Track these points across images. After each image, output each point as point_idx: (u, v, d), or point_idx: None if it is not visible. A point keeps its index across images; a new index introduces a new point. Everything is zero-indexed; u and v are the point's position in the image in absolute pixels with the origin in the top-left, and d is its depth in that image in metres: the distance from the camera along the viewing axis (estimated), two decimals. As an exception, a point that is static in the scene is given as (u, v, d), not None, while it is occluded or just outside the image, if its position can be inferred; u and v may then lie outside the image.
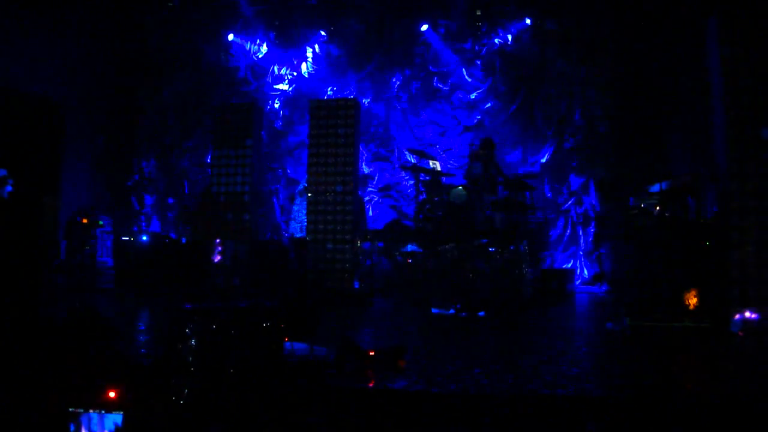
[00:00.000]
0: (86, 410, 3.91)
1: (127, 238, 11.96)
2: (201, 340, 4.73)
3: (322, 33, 14.50)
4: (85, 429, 3.91)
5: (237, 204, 12.13)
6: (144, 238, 11.85)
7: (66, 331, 4.99)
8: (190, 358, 4.72)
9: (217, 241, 11.52)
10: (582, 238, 12.77)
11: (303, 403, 4.39)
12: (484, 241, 9.33)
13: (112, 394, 4.08)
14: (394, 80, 14.33)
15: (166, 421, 4.18)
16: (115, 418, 3.91)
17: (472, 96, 13.88)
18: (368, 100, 14.33)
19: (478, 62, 13.87)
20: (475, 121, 13.84)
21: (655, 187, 8.51)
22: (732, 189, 7.23)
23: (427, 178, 11.46)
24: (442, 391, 4.38)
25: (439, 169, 11.86)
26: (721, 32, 7.45)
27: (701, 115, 10.00)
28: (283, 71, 15.00)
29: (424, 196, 11.19)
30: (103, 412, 3.91)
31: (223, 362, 4.75)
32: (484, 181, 10.62)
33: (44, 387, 4.27)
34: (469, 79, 13.87)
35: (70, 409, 3.93)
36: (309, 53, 14.72)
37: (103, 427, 3.91)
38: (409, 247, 10.97)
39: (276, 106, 15.00)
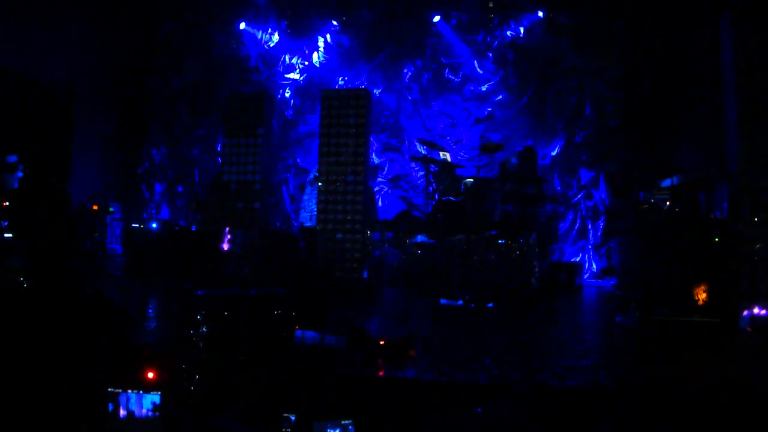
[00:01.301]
0: (124, 390, 3.98)
1: (137, 225, 12.00)
2: (213, 326, 4.77)
3: (334, 23, 14.48)
4: (123, 408, 3.97)
5: (247, 192, 12.16)
6: (154, 225, 11.89)
7: (78, 318, 5.05)
8: (202, 344, 4.76)
9: (227, 229, 11.57)
10: (591, 231, 12.75)
11: (313, 391, 4.43)
12: (494, 232, 9.35)
13: (150, 375, 4.16)
14: (405, 71, 14.31)
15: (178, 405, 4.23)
16: (153, 397, 3.98)
17: (484, 88, 13.84)
18: (379, 90, 14.32)
19: (490, 54, 13.82)
20: (486, 113, 13.80)
21: (666, 182, 8.51)
22: (743, 185, 7.22)
23: (438, 169, 11.46)
24: (452, 380, 4.41)
25: (449, 160, 11.86)
26: (735, 28, 7.44)
27: (713, 111, 9.96)
28: (294, 60, 14.99)
29: (435, 184, 11.17)
30: (140, 392, 3.98)
31: (235, 349, 4.79)
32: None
33: (83, 367, 4.35)
34: (481, 71, 13.84)
35: (109, 389, 4.00)
36: (320, 43, 14.70)
37: (141, 407, 3.97)
38: (419, 238, 10.98)
39: (287, 95, 14.99)
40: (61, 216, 6.86)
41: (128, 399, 3.98)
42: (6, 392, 4.15)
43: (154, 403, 3.97)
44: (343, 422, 3.90)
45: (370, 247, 11.17)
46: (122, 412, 3.97)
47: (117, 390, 3.98)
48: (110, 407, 3.98)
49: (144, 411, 3.97)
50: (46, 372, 4.28)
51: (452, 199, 10.55)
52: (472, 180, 10.66)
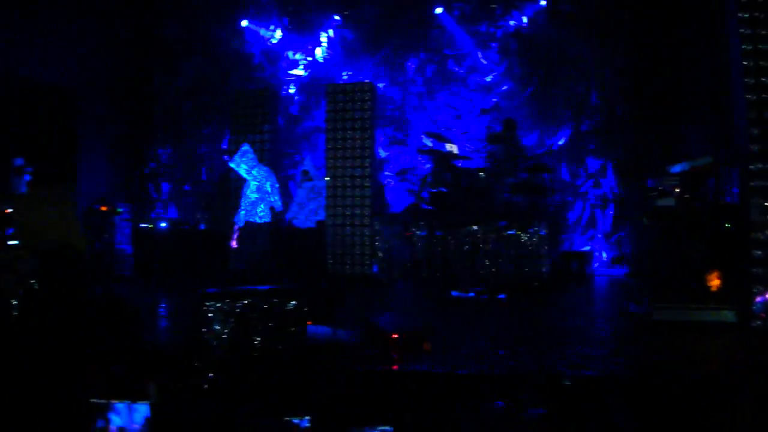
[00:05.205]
0: (113, 401, 3.74)
1: (146, 225, 12.03)
2: (225, 323, 4.75)
3: (336, 17, 14.43)
4: (113, 421, 3.73)
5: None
6: (163, 224, 11.92)
7: (91, 320, 5.03)
8: (215, 342, 4.74)
9: (236, 226, 11.57)
10: (600, 220, 12.70)
11: (327, 386, 4.41)
12: (504, 223, 9.32)
13: (140, 384, 4.01)
14: (409, 64, 14.26)
15: (193, 405, 4.20)
16: (144, 408, 3.74)
17: (488, 79, 13.78)
18: (383, 84, 14.27)
19: (494, 45, 13.75)
20: (492, 104, 13.74)
21: (675, 168, 8.45)
22: (753, 169, 7.16)
23: (435, 161, 11.44)
24: (468, 372, 4.38)
25: (456, 152, 11.80)
26: (742, 11, 7.37)
27: (720, 95, 9.90)
28: (297, 56, 14.95)
29: (430, 171, 11.19)
30: (129, 402, 3.74)
31: (247, 346, 4.77)
32: (505, 163, 10.55)
33: (73, 378, 4.27)
34: (485, 62, 13.78)
35: (93, 400, 3.77)
36: (323, 38, 14.66)
37: (132, 419, 3.73)
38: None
39: (291, 91, 14.96)
40: (68, 219, 6.82)
41: (117, 411, 3.70)
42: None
43: (146, 415, 3.72)
44: (381, 428, 3.80)
45: (378, 241, 11.15)
46: (112, 428, 3.70)
47: (103, 401, 3.73)
48: (100, 421, 3.70)
49: (135, 425, 3.69)
50: (36, 380, 4.16)
51: (443, 190, 10.55)
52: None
